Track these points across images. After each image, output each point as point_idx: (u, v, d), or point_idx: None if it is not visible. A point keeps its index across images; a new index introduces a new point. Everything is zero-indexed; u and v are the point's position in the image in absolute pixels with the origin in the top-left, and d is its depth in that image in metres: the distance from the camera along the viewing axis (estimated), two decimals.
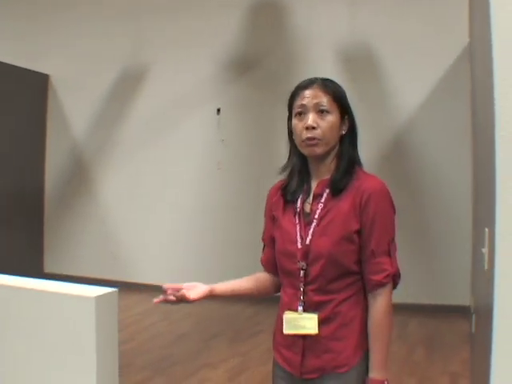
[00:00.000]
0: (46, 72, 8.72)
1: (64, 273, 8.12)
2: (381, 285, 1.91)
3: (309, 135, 1.94)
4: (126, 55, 8.35)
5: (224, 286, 2.11)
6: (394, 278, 1.93)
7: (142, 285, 7.95)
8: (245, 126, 7.80)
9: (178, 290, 2.01)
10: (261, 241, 2.19)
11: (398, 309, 6.41)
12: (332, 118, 1.96)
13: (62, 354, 2.10)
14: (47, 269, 8.70)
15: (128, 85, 8.35)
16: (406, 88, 7.03)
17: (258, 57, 7.75)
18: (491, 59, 1.59)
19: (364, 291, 1.95)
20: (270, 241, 2.13)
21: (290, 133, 2.05)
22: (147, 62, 8.24)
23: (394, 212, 1.98)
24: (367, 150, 7.14)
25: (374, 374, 1.89)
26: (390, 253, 1.92)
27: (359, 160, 2.05)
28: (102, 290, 2.15)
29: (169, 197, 8.12)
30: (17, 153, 8.28)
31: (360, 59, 7.24)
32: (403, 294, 6.93)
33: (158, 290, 7.51)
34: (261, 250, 2.21)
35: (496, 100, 1.57)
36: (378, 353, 1.90)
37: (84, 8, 8.52)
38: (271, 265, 2.13)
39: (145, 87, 8.29)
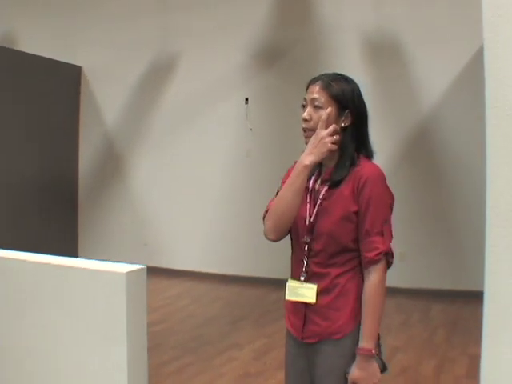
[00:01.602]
0: (78, 64, 8.96)
1: (98, 258, 8.31)
2: (373, 262, 2.08)
3: (303, 126, 2.17)
4: (155, 46, 8.55)
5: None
6: (387, 257, 2.10)
7: (173, 270, 8.18)
8: (273, 115, 7.93)
9: None
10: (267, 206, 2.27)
11: (421, 294, 6.55)
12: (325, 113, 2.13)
13: (94, 327, 2.29)
14: (81, 254, 8.95)
15: (158, 75, 8.55)
16: (431, 75, 7.10)
17: (286, 46, 7.86)
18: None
19: (361, 267, 2.14)
20: None
21: None
22: (176, 53, 8.42)
23: (391, 197, 2.15)
24: (391, 137, 7.27)
25: (362, 344, 2.08)
26: (383, 233, 2.08)
27: (369, 149, 2.22)
28: (132, 266, 2.33)
29: (199, 184, 8.30)
30: (51, 142, 8.54)
31: (385, 47, 7.33)
32: (427, 279, 7.08)
33: (187, 275, 7.72)
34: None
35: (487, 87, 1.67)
36: (367, 324, 2.08)
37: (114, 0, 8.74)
38: None
39: (174, 77, 8.47)
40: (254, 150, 7.99)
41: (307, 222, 2.17)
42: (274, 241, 2.20)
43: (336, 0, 7.56)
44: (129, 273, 2.24)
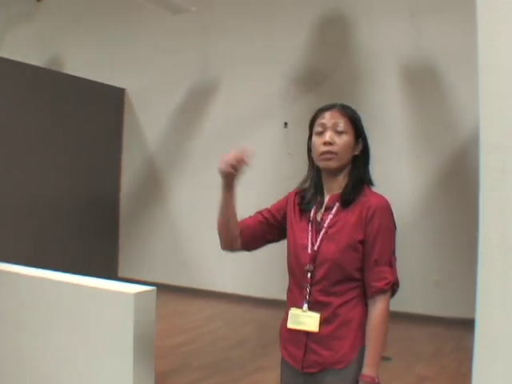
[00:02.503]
0: (122, 86, 9.22)
1: (137, 277, 8.44)
2: (381, 291, 2.10)
3: (324, 149, 2.17)
4: (196, 70, 8.73)
5: (234, 202, 2.47)
6: (393, 286, 2.12)
7: (209, 292, 8.25)
8: None
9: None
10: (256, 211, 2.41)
11: (457, 323, 6.37)
12: (347, 138, 2.17)
13: (102, 345, 2.35)
14: (121, 273, 9.10)
15: (199, 98, 8.72)
16: (469, 103, 7.01)
17: (325, 71, 7.93)
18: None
19: (363, 296, 2.15)
20: (265, 217, 2.45)
21: (309, 150, 2.28)
22: (217, 77, 8.58)
23: (395, 227, 2.18)
24: (427, 163, 7.15)
25: (365, 371, 2.07)
26: (391, 263, 2.12)
27: (370, 179, 2.26)
28: (140, 287, 2.40)
29: (237, 208, 8.34)
30: (95, 162, 8.78)
31: (423, 73, 7.31)
32: (463, 308, 6.93)
33: (224, 297, 7.74)
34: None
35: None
36: (371, 352, 2.08)
37: (157, 25, 8.97)
38: (247, 231, 2.43)
39: (215, 101, 8.62)
40: (291, 175, 7.98)
41: (310, 251, 2.18)
42: (225, 250, 2.39)
43: (374, 25, 7.59)
44: (137, 294, 2.30)
